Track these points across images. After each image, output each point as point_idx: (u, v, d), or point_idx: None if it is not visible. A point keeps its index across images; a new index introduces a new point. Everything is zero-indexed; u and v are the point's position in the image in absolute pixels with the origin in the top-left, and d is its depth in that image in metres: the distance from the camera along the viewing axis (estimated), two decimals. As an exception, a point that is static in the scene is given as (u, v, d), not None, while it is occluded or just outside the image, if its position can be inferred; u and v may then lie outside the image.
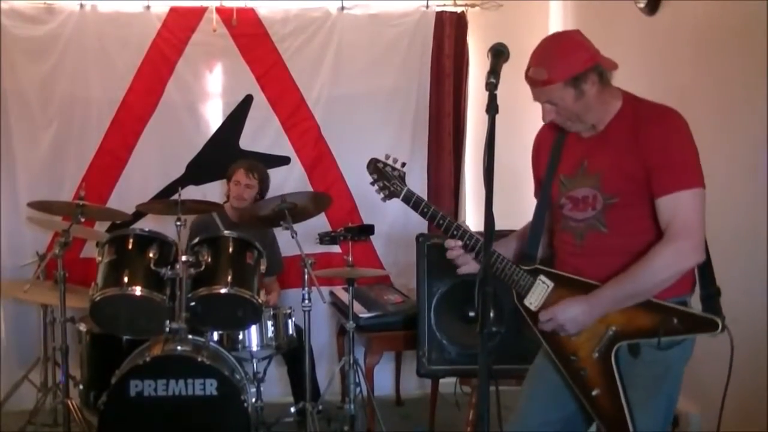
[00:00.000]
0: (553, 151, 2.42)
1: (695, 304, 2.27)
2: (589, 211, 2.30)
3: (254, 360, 4.04)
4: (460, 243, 2.39)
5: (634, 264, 2.19)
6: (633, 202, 2.23)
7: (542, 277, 2.36)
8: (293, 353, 4.22)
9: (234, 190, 4.51)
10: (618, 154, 2.24)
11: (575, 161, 2.35)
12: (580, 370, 2.29)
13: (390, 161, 2.47)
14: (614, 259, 2.25)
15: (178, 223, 3.77)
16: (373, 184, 2.49)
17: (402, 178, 2.46)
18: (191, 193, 4.67)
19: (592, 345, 2.26)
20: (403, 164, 2.48)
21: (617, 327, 2.23)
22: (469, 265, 2.43)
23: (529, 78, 2.25)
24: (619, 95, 2.30)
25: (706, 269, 2.25)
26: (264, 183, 4.61)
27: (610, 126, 2.29)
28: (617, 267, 2.23)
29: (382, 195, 2.47)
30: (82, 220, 3.86)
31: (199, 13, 4.94)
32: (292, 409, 4.09)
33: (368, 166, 2.49)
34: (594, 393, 2.26)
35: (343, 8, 5.06)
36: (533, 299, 2.36)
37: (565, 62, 2.20)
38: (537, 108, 2.33)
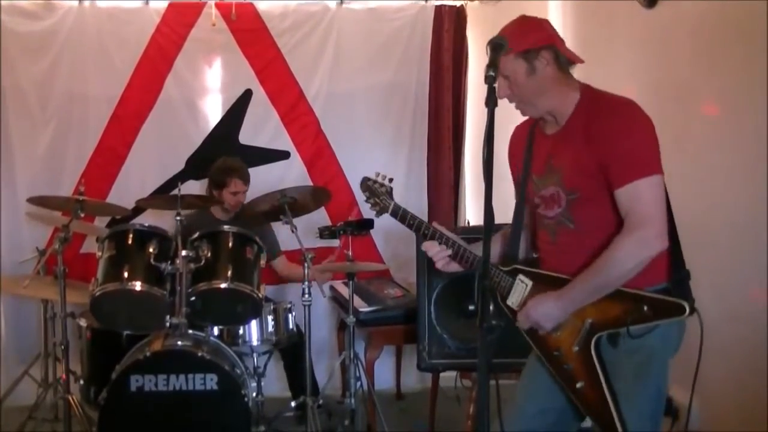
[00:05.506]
0: (525, 152, 2.45)
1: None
2: (556, 209, 2.33)
3: (254, 355, 4.04)
4: (445, 250, 2.44)
5: (599, 257, 2.21)
6: (594, 196, 2.24)
7: (521, 277, 2.39)
8: (292, 349, 4.22)
9: (232, 198, 4.41)
10: (575, 149, 2.25)
11: (543, 159, 2.37)
12: (563, 365, 2.32)
13: (379, 178, 2.56)
14: (584, 254, 2.26)
15: (178, 218, 3.77)
16: (366, 201, 2.58)
17: (389, 193, 2.55)
18: (191, 188, 4.67)
19: (572, 339, 2.29)
20: (391, 179, 2.57)
21: (593, 319, 2.25)
22: (450, 265, 2.49)
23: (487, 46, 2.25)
24: (578, 87, 2.31)
25: (674, 254, 2.25)
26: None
27: (570, 120, 2.30)
28: (587, 262, 2.24)
29: (374, 211, 2.57)
30: (82, 215, 3.84)
31: (197, 8, 4.94)
32: (293, 404, 4.11)
33: (361, 186, 2.59)
34: (579, 386, 2.29)
35: (341, 3, 5.07)
36: (514, 299, 2.39)
37: (520, 37, 2.27)
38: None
